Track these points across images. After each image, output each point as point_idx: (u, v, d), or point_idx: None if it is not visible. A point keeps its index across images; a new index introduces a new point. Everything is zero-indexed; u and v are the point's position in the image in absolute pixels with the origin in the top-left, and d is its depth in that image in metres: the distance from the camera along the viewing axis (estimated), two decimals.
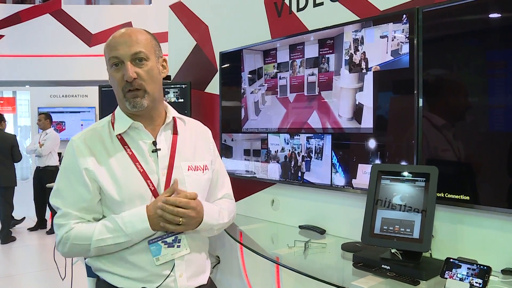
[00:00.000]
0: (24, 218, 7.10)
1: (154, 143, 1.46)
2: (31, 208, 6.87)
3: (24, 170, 8.43)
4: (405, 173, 1.85)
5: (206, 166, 1.56)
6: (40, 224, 6.82)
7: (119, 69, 1.39)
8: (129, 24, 8.26)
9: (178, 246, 1.43)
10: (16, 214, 6.86)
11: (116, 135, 1.45)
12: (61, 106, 8.11)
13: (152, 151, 1.45)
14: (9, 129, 6.96)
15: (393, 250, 1.82)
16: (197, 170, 1.52)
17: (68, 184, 1.40)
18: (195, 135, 1.60)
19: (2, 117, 6.44)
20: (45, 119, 6.62)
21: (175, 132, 1.53)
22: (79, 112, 7.98)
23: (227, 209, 1.62)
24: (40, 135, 6.66)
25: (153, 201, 1.40)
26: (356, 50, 2.23)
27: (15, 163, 6.35)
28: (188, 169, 1.50)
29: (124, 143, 1.44)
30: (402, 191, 1.84)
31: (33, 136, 7.24)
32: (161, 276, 1.40)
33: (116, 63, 1.39)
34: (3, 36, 8.88)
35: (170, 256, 1.41)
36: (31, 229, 6.78)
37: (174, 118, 1.54)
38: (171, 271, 1.41)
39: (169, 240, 1.42)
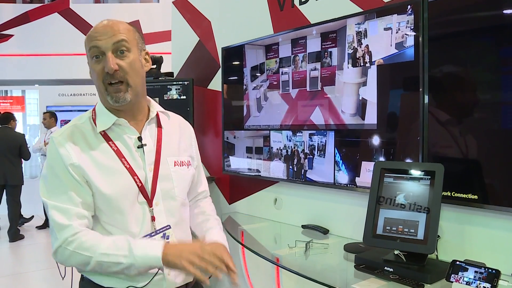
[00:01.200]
0: (33, 216, 7.13)
1: (140, 138, 1.41)
2: (40, 206, 6.88)
3: (33, 169, 8.47)
4: (410, 171, 1.76)
5: (189, 161, 1.53)
6: (49, 222, 6.82)
7: (100, 61, 1.33)
8: (136, 23, 8.24)
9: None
10: (25, 212, 6.90)
11: (100, 132, 1.38)
12: (70, 104, 8.12)
13: (138, 147, 1.40)
14: (18, 127, 6.97)
15: (396, 252, 1.74)
16: (182, 165, 1.49)
17: (58, 181, 1.32)
18: (179, 130, 1.56)
19: (13, 116, 6.47)
20: (50, 117, 6.63)
21: (159, 126, 1.49)
22: (87, 110, 7.97)
23: (215, 216, 1.68)
24: (45, 134, 6.68)
25: (182, 244, 1.32)
26: (360, 43, 2.15)
27: (25, 161, 6.37)
28: (175, 165, 1.46)
29: (108, 139, 1.38)
30: (406, 189, 1.75)
31: (41, 134, 7.26)
32: (149, 274, 1.33)
33: (97, 54, 1.33)
34: (13, 35, 8.92)
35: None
36: (39, 227, 6.80)
37: (157, 112, 1.49)
38: (159, 269, 1.34)
39: (158, 237, 1.37)
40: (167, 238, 1.38)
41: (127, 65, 1.34)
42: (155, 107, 1.51)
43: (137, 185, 1.36)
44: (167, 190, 1.43)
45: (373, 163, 2.06)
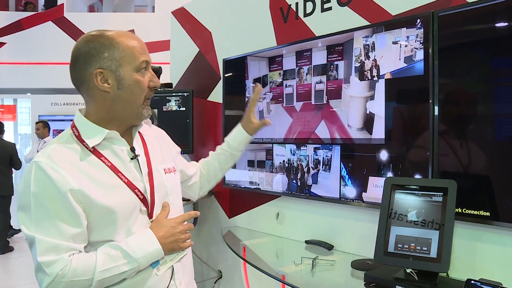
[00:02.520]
0: None
1: (132, 149, 1.37)
2: None
3: None
4: (421, 187, 1.73)
5: (174, 168, 1.52)
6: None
7: (144, 74, 1.33)
8: (131, 32, 8.20)
9: None
10: (15, 224, 6.75)
11: (89, 149, 1.29)
12: (63, 114, 8.03)
13: (131, 158, 1.36)
14: (9, 137, 6.86)
15: (408, 270, 1.70)
16: (170, 172, 1.48)
17: (45, 211, 1.18)
18: (157, 138, 1.55)
19: (2, 125, 6.35)
20: (44, 127, 6.54)
21: (140, 134, 1.45)
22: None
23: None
24: (39, 144, 6.58)
25: (156, 222, 1.35)
26: (367, 56, 2.12)
27: (16, 171, 6.26)
28: (165, 172, 1.45)
29: (99, 155, 1.30)
30: (417, 206, 1.71)
31: (33, 144, 7.15)
32: None
33: (144, 67, 1.33)
34: (5, 43, 8.83)
35: (169, 262, 1.35)
36: None
37: None
38: (170, 280, 1.35)
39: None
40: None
41: None
42: None
43: (139, 198, 1.33)
44: (163, 199, 1.41)
45: (381, 178, 2.03)
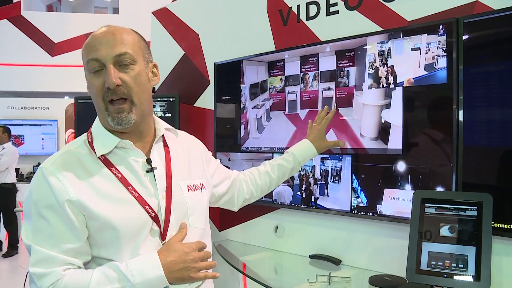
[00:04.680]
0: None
1: (148, 161, 1.22)
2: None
3: None
4: (453, 201, 1.64)
5: (202, 184, 1.35)
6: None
7: (100, 74, 1.14)
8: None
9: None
10: None
11: (99, 157, 1.17)
12: (20, 118, 7.52)
13: (147, 171, 1.21)
14: None
15: None
16: (196, 189, 1.31)
17: (45, 223, 1.09)
18: (187, 148, 1.39)
19: None
20: (3, 132, 6.10)
21: (165, 145, 1.30)
22: (39, 125, 7.42)
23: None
24: None
25: (167, 246, 1.18)
26: (383, 63, 2.03)
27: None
28: (188, 189, 1.28)
29: (109, 165, 1.17)
30: (450, 221, 1.63)
31: None
32: None
33: (96, 67, 1.14)
34: None
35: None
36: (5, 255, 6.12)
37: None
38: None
39: None
40: None
41: (131, 79, 1.16)
42: (161, 124, 1.32)
43: (150, 216, 1.17)
44: (182, 219, 1.24)
45: (398, 190, 1.95)
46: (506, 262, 1.72)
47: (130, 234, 1.14)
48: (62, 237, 1.09)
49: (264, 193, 1.72)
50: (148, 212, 1.17)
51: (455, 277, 1.55)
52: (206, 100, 3.11)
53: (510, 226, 1.66)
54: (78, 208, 1.10)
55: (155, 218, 1.18)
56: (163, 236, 1.19)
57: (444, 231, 1.63)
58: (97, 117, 1.24)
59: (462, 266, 1.56)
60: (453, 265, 1.58)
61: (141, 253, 1.15)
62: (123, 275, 1.09)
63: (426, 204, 1.69)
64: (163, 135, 1.31)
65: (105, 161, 1.18)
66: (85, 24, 8.30)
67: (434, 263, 1.61)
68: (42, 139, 7.38)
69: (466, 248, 1.57)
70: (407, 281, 1.67)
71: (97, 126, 1.24)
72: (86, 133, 1.25)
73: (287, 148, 2.40)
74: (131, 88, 1.15)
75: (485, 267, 1.51)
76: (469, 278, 1.53)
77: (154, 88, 3.42)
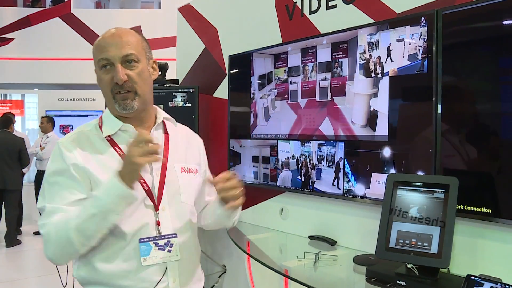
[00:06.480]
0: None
1: None
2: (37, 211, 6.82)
3: (32, 173, 8.41)
4: (423, 184, 1.75)
5: (196, 169, 1.54)
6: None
7: (108, 71, 1.36)
8: (138, 28, 8.24)
9: (169, 251, 1.37)
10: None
11: (105, 137, 1.40)
12: (69, 109, 8.10)
13: None
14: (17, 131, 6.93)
15: (409, 265, 1.72)
16: (189, 172, 1.50)
17: (56, 185, 1.32)
18: (186, 139, 1.58)
19: (11, 120, 6.40)
20: (47, 122, 6.60)
21: (165, 133, 1.51)
22: (87, 115, 7.94)
23: None
24: (41, 138, 6.64)
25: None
26: (371, 54, 2.14)
27: (25, 166, 6.33)
28: (182, 171, 1.47)
29: (114, 144, 1.40)
30: (419, 202, 1.74)
31: (37, 139, 7.22)
32: (151, 282, 1.34)
33: (105, 64, 1.35)
34: (13, 39, 8.90)
35: (158, 259, 1.35)
36: (36, 233, 6.73)
37: (163, 120, 1.52)
38: (163, 276, 1.35)
39: (161, 242, 1.37)
40: (170, 246, 1.38)
41: (136, 75, 1.37)
42: (162, 114, 1.53)
43: (144, 189, 1.37)
44: (174, 195, 1.43)
45: (384, 175, 2.05)
46: (480, 244, 1.80)
47: None
48: (70, 191, 1.30)
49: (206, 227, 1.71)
50: (142, 186, 1.37)
51: (419, 255, 1.66)
52: (223, 90, 3.31)
53: (481, 209, 1.74)
54: (84, 173, 1.31)
55: (148, 192, 1.38)
56: (156, 207, 1.39)
57: (413, 212, 1.74)
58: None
59: (426, 244, 1.67)
60: (418, 243, 1.69)
61: (128, 219, 1.33)
62: (91, 196, 1.27)
63: (398, 187, 1.80)
64: (165, 125, 1.52)
65: (110, 141, 1.40)
66: (130, 19, 8.75)
67: (402, 241, 1.72)
68: None
69: (432, 228, 1.68)
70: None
71: (106, 113, 1.46)
72: (98, 117, 1.49)
73: (289, 135, 2.57)
74: (136, 82, 1.37)
75: (447, 246, 1.61)
76: (431, 255, 1.64)
77: (177, 80, 3.68)
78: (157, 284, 1.34)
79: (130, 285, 1.32)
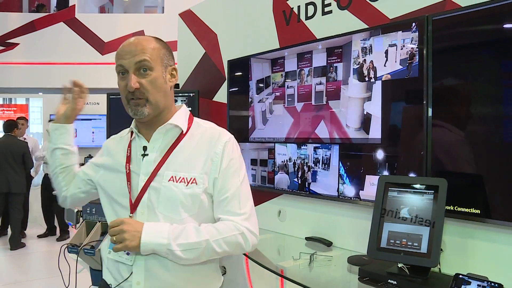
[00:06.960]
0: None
1: (144, 148, 1.47)
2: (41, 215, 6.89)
3: (39, 177, 8.49)
4: (413, 185, 1.80)
5: (194, 179, 1.40)
6: (50, 231, 6.84)
7: (124, 78, 1.41)
8: (141, 33, 8.32)
9: (128, 253, 1.40)
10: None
11: (130, 139, 1.54)
12: None
13: (142, 155, 1.46)
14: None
15: (400, 265, 1.77)
16: (180, 182, 1.40)
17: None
18: (202, 145, 1.45)
19: (16, 124, 6.49)
20: None
21: (179, 139, 1.46)
22: (90, 119, 8.01)
23: (219, 231, 1.37)
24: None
25: None
26: (365, 59, 2.19)
27: (29, 170, 6.40)
28: (169, 179, 1.40)
29: (129, 145, 1.52)
30: (410, 203, 1.78)
31: (44, 143, 7.29)
32: (122, 277, 1.43)
33: (122, 71, 1.41)
34: (18, 44, 9.01)
35: (117, 257, 1.43)
36: (40, 236, 6.80)
37: (189, 123, 1.49)
38: (129, 276, 1.41)
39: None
40: (128, 254, 1.40)
41: (148, 83, 1.39)
42: (175, 119, 1.47)
43: (128, 190, 1.44)
44: (153, 202, 1.41)
45: (377, 177, 2.10)
46: (470, 244, 1.85)
47: (110, 197, 1.49)
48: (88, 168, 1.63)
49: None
50: (128, 187, 1.44)
51: (409, 255, 1.71)
52: (223, 95, 3.36)
53: (470, 210, 1.78)
54: (93, 168, 1.60)
55: (130, 193, 1.44)
56: (131, 210, 1.42)
57: (404, 212, 1.78)
58: None
59: (416, 244, 1.71)
60: (408, 243, 1.73)
61: (116, 214, 1.47)
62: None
63: (389, 188, 1.84)
64: (186, 131, 1.47)
65: (130, 142, 1.52)
66: (133, 23, 8.84)
67: (393, 241, 1.77)
68: (93, 132, 7.96)
69: (422, 228, 1.72)
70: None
71: None
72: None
73: (286, 138, 2.61)
74: (148, 90, 1.39)
75: (436, 246, 1.66)
76: (421, 255, 1.68)
77: (178, 85, 3.74)
78: (123, 281, 1.42)
79: (114, 275, 1.46)
